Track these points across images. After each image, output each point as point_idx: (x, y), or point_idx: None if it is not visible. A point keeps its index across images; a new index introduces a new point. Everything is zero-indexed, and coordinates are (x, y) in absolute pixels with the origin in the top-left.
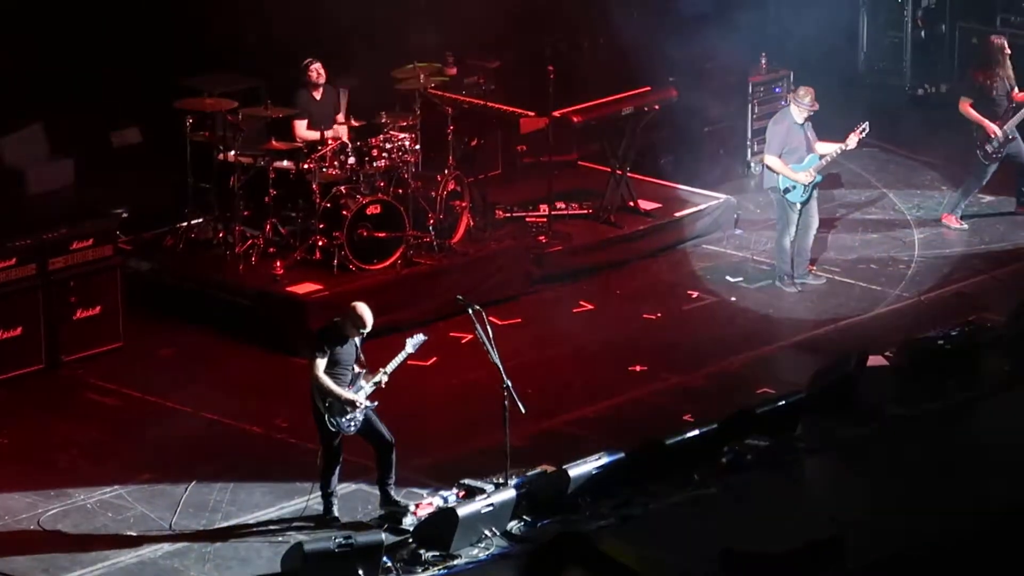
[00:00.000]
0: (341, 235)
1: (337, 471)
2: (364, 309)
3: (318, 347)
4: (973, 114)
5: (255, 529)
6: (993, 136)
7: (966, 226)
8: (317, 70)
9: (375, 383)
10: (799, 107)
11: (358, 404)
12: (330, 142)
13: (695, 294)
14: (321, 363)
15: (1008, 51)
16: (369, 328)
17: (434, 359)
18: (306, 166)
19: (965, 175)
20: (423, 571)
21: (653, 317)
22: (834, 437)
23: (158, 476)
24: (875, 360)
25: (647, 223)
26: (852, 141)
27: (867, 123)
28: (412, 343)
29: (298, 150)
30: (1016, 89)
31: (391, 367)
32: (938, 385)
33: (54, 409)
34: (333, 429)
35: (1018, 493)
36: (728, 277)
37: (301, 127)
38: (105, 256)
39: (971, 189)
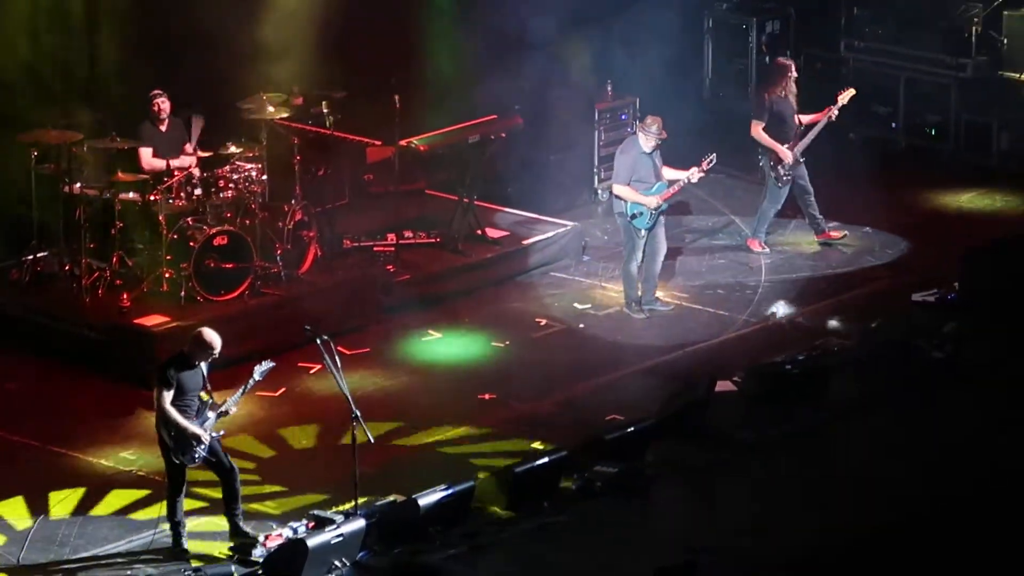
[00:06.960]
0: (188, 266)
1: (181, 500)
2: (210, 333)
3: (163, 379)
4: (765, 137)
5: (104, 562)
6: (784, 159)
7: (768, 250)
8: (161, 103)
9: (221, 412)
10: (647, 136)
11: (203, 439)
12: (176, 173)
13: (543, 322)
14: (167, 395)
15: (795, 74)
16: (218, 351)
17: (282, 389)
18: (152, 197)
19: (759, 200)
20: None
21: (501, 345)
22: (683, 463)
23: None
24: (723, 385)
25: (495, 251)
26: (697, 174)
27: (714, 155)
28: (260, 370)
29: (144, 182)
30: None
31: (238, 395)
32: (786, 410)
33: None
34: (177, 462)
35: (869, 515)
36: (576, 304)
37: (147, 155)
38: None
39: (768, 212)
